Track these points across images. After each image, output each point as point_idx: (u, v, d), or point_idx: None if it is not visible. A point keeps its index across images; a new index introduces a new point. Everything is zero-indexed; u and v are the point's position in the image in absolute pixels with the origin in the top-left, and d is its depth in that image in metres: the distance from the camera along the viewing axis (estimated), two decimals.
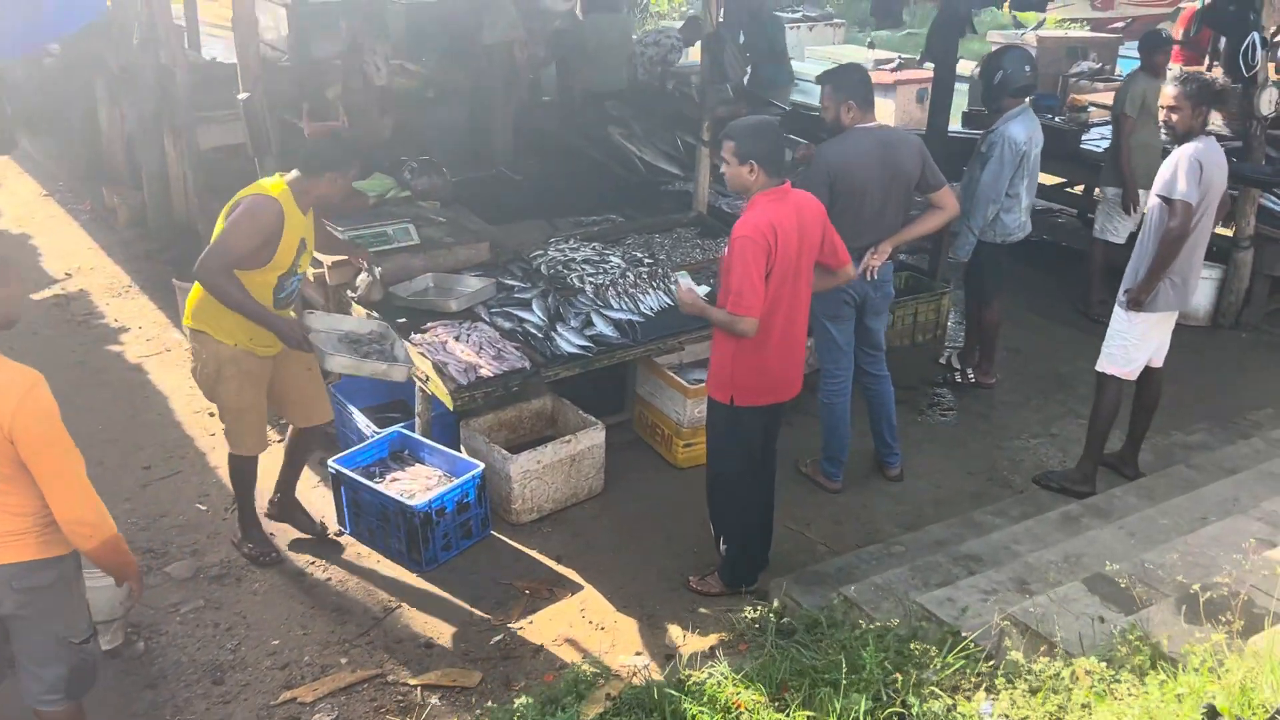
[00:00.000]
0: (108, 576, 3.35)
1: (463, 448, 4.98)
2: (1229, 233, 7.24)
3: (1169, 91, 4.68)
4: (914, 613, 3.78)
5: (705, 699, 3.23)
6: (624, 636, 4.20)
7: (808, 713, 3.08)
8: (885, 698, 3.12)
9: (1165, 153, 4.88)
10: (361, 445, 4.89)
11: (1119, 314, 4.93)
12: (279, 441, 4.93)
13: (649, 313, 5.44)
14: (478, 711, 3.72)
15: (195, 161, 6.43)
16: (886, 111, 11.62)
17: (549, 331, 5.15)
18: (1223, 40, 8.73)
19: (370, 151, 5.47)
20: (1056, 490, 5.19)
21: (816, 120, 6.08)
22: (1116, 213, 7.12)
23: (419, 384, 4.90)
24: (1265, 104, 6.89)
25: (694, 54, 8.74)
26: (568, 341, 5.08)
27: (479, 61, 8.04)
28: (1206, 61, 10.00)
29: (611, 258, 5.94)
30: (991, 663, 3.28)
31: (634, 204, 7.30)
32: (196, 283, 4.09)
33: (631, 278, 5.69)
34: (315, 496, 5.02)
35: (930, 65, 9.28)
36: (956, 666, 3.23)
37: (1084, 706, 2.85)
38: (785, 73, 9.55)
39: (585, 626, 4.26)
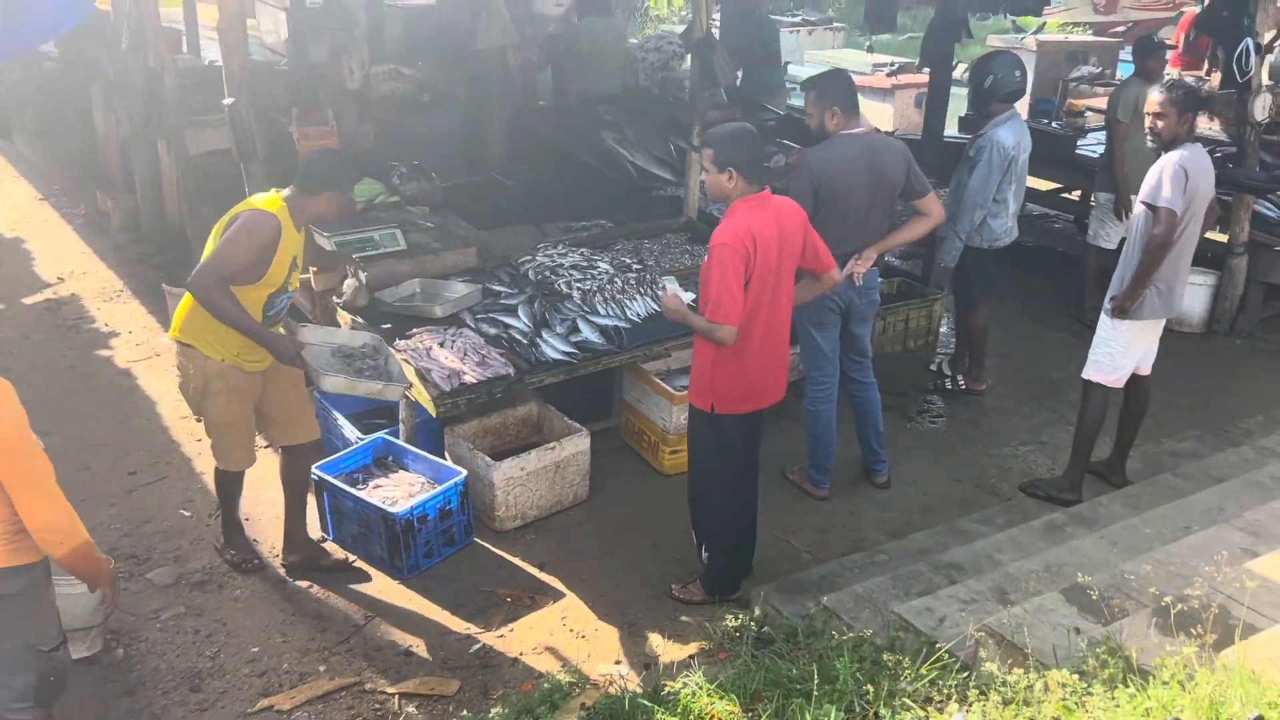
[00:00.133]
0: (83, 584, 3.35)
1: (447, 454, 4.97)
2: (1223, 239, 7.22)
3: (1154, 97, 4.64)
4: (892, 622, 3.77)
5: (679, 709, 3.21)
6: (604, 645, 4.18)
7: None
8: (858, 709, 3.10)
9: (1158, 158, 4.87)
10: (345, 451, 4.88)
11: (1105, 321, 4.91)
12: (265, 447, 4.94)
13: (636, 319, 5.44)
14: None
15: (184, 165, 6.43)
16: (884, 116, 11.60)
17: (534, 338, 5.13)
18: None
19: (353, 159, 5.47)
20: (1043, 498, 5.16)
21: None
22: (1109, 218, 7.09)
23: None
24: (1259, 109, 6.88)
25: None
26: (553, 348, 5.07)
27: (473, 66, 8.04)
28: (1205, 67, 9.97)
29: (600, 263, 5.93)
30: (966, 674, 3.26)
31: (625, 209, 7.27)
32: (187, 295, 4.07)
33: (619, 283, 5.68)
34: None
35: (927, 70, 9.26)
36: (931, 677, 3.21)
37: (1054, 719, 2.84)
38: (779, 76, 9.53)
39: (566, 635, 4.24)
